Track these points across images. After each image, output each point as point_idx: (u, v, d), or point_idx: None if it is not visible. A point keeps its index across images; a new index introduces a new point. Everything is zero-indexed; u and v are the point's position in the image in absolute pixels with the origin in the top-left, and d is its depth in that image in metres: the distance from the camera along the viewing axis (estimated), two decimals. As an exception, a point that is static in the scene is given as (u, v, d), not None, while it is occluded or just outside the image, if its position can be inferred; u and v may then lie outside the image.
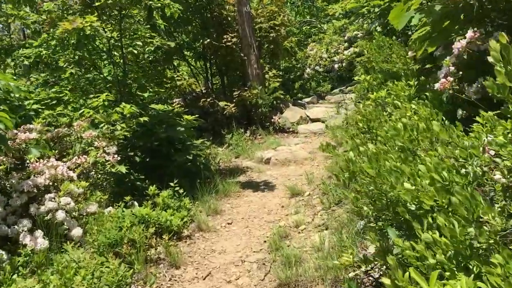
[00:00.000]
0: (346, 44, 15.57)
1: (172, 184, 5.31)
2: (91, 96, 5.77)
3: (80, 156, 4.93)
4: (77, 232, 4.29)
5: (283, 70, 14.50)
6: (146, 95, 7.36)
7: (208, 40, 10.34)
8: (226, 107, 10.07)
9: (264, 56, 12.19)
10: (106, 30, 6.68)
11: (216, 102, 10.17)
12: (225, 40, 10.22)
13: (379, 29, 8.63)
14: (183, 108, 7.63)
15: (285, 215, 5.34)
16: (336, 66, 15.09)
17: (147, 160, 5.97)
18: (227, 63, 10.80)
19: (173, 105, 12.41)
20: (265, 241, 4.58)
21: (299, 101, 12.28)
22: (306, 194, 5.88)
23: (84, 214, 4.54)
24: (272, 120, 10.85)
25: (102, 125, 5.10)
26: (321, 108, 11.67)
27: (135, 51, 7.54)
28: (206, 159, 6.70)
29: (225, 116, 10.29)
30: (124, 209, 4.73)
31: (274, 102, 11.10)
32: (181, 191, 5.39)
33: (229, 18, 10.75)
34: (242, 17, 10.54)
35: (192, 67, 11.93)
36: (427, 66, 5.29)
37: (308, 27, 17.30)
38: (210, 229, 5.02)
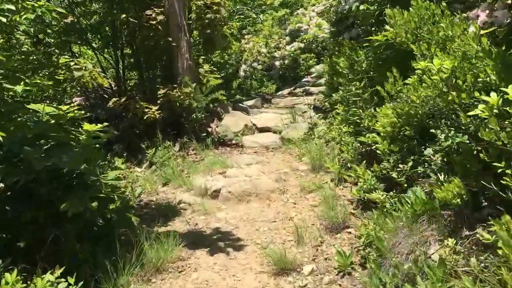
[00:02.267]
0: (288, 38, 13.44)
1: (52, 276, 2.62)
2: None
3: None
4: None
5: (213, 66, 11.95)
6: (19, 89, 4.47)
7: (124, 16, 7.54)
8: (147, 110, 7.35)
9: (196, 45, 9.58)
10: None
11: (132, 104, 7.40)
12: (147, 17, 7.48)
13: (362, 7, 6.46)
14: (83, 113, 4.79)
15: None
16: (277, 63, 12.87)
17: (6, 215, 3.18)
18: (148, 51, 8.05)
19: (72, 105, 9.44)
20: None
21: (240, 105, 9.83)
22: (307, 271, 3.42)
23: None
24: (209, 129, 8.29)
25: None
26: (269, 114, 9.33)
27: (4, 19, 4.65)
28: (122, 199, 3.98)
29: (146, 122, 7.56)
30: None
31: (211, 105, 8.56)
32: (72, 280, 2.73)
33: (153, -11, 8.03)
34: (170, -12, 7.88)
35: (99, 55, 8.98)
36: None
37: (242, 16, 14.89)
38: None
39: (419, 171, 3.35)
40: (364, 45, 5.45)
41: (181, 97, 7.64)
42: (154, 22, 7.44)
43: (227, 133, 8.23)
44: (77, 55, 9.44)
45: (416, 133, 3.77)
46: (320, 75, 12.02)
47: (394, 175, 3.68)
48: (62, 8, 8.34)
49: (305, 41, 13.13)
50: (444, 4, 3.67)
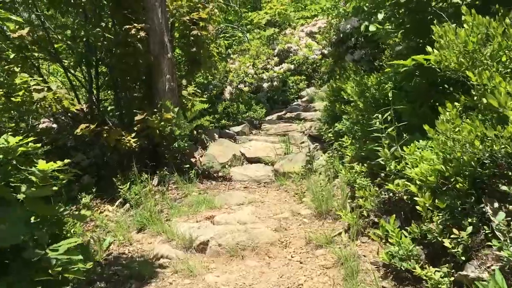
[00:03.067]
0: (276, 59, 12.64)
1: None
2: None
3: None
4: None
5: (196, 87, 10.97)
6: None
7: (99, 30, 6.58)
8: (121, 138, 6.38)
9: (179, 64, 8.68)
10: None
11: (105, 131, 6.41)
12: (127, 33, 6.54)
13: (372, 27, 5.58)
14: (39, 146, 3.76)
15: None
16: (265, 85, 12.02)
17: None
18: (126, 70, 7.07)
19: (38, 128, 8.37)
20: None
21: (227, 131, 8.91)
22: None
23: None
24: (193, 159, 7.34)
25: None
26: (260, 142, 8.41)
27: None
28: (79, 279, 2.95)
29: (120, 152, 6.59)
30: None
31: (195, 132, 7.62)
32: None
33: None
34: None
35: (70, 74, 7.97)
36: None
37: (228, 35, 14.03)
38: None
39: (492, 245, 2.45)
40: (386, 70, 4.60)
41: (162, 123, 6.69)
42: (134, 39, 6.50)
43: (213, 164, 7.28)
44: (46, 72, 8.42)
45: (470, 185, 2.90)
46: (312, 99, 11.23)
47: (446, 243, 2.77)
48: (31, 21, 7.39)
49: (295, 62, 12.36)
50: (508, 21, 2.84)
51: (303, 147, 7.82)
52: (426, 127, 3.05)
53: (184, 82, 8.00)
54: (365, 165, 4.71)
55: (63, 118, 8.16)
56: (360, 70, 6.63)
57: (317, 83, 12.33)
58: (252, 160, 7.74)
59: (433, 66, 3.17)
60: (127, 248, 4.65)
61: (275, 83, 11.95)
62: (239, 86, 11.83)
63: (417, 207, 3.13)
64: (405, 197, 3.53)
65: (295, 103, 11.52)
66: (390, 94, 3.76)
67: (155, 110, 6.81)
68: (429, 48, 3.18)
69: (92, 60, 7.45)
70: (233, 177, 7.15)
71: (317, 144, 7.43)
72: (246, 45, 13.03)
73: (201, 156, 7.58)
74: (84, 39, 7.21)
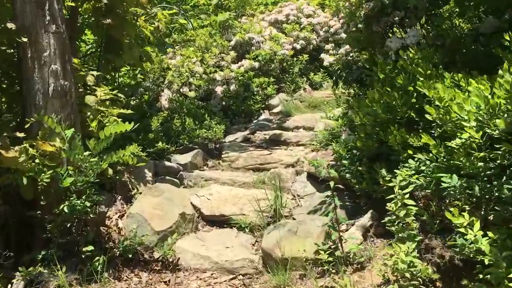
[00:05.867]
0: (233, 53, 9.42)
1: None
2: None
3: None
4: None
5: (118, 90, 7.29)
6: None
7: None
8: None
9: (89, 57, 5.21)
10: None
11: None
12: None
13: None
14: None
15: None
16: (219, 89, 8.72)
17: None
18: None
19: None
20: None
21: (168, 164, 5.55)
22: None
23: None
24: (104, 229, 3.93)
25: None
26: (224, 186, 5.11)
27: None
28: None
29: None
30: None
31: (110, 170, 4.24)
32: None
33: None
34: None
35: None
36: None
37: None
38: None
39: None
40: None
41: (36, 161, 3.29)
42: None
43: (143, 238, 3.92)
44: None
45: None
46: (289, 111, 8.09)
47: None
48: None
49: (260, 58, 9.16)
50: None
51: (302, 196, 4.66)
52: None
53: (89, 79, 4.53)
54: None
55: None
56: (431, 66, 3.55)
57: (289, 88, 9.26)
58: (214, 221, 4.47)
59: None
60: None
61: (232, 86, 8.69)
62: (182, 90, 8.47)
63: None
64: None
65: (262, 116, 8.32)
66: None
67: (23, 135, 3.39)
68: None
69: None
70: (181, 261, 3.86)
71: (332, 193, 4.26)
72: (191, 33, 9.68)
73: (121, 217, 4.20)
74: None
